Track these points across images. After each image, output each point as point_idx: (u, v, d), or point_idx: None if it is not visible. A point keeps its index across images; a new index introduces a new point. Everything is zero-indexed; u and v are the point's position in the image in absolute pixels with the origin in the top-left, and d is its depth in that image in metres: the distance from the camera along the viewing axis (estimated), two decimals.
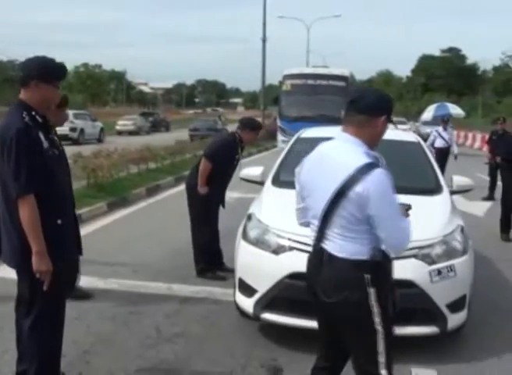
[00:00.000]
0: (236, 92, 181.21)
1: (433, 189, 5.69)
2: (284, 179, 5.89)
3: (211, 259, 6.68)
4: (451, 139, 16.92)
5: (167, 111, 69.96)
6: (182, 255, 7.27)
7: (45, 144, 3.41)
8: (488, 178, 14.10)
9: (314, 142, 6.51)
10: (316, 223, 2.96)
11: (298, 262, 4.60)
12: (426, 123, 34.69)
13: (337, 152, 2.93)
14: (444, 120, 17.71)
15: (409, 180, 5.83)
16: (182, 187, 13.76)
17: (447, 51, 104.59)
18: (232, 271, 6.12)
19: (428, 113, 30.03)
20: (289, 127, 24.15)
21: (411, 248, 4.55)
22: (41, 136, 3.39)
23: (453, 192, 5.91)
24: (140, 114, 47.87)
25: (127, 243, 6.53)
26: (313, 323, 4.56)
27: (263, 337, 4.94)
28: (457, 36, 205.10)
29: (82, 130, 30.62)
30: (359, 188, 2.75)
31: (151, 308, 5.54)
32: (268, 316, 4.73)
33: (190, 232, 6.97)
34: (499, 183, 13.65)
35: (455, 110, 29.13)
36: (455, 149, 16.92)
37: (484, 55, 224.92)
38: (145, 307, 5.58)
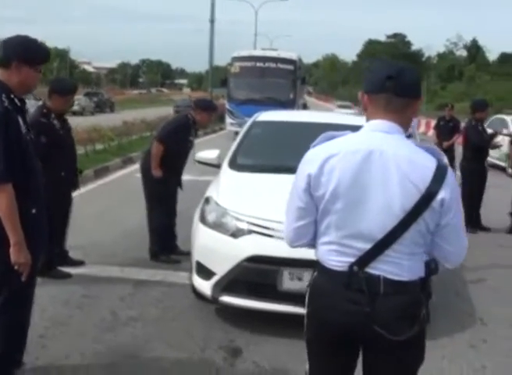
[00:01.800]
0: (182, 73, 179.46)
1: None
2: (241, 162, 5.90)
3: (165, 243, 6.63)
4: (412, 127, 16.21)
5: (111, 91, 68.72)
6: (133, 237, 7.23)
7: (23, 129, 3.26)
8: None
9: (270, 126, 6.67)
10: (357, 244, 2.23)
11: (257, 246, 4.67)
12: None
13: (400, 149, 2.22)
14: None
15: None
16: (130, 169, 13.79)
17: (392, 36, 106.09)
18: (186, 254, 6.11)
19: None
20: (238, 110, 24.11)
21: None
22: (20, 120, 3.25)
23: None
24: (84, 94, 46.79)
25: (77, 225, 6.42)
26: (270, 306, 4.65)
27: (220, 320, 4.95)
28: (403, 22, 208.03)
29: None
30: (444, 194, 2.18)
31: (104, 292, 5.47)
32: (226, 299, 4.74)
33: (140, 214, 6.93)
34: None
35: None
36: (417, 139, 15.88)
37: (429, 41, 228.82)
38: (99, 290, 5.50)
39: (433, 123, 22.51)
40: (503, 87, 65.51)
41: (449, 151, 13.87)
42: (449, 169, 2.22)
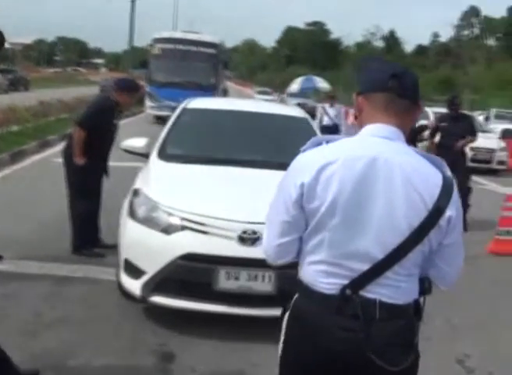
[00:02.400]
0: (99, 53, 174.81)
1: None
2: (171, 152, 5.60)
3: (88, 235, 6.25)
4: (338, 116, 15.23)
5: (26, 68, 65.95)
6: (52, 228, 6.79)
7: None
8: None
9: (201, 114, 6.38)
10: (352, 264, 1.97)
11: (191, 243, 4.42)
12: (293, 95, 35.35)
13: (406, 157, 1.98)
14: (330, 95, 16.27)
15: (295, 156, 5.75)
16: (47, 152, 13.13)
17: (312, 24, 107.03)
18: (110, 247, 5.78)
19: (295, 85, 30.60)
20: (158, 93, 23.61)
21: None
22: None
23: None
24: None
25: None
26: (204, 306, 4.42)
27: (149, 321, 4.67)
28: (322, 10, 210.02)
29: None
30: (451, 211, 1.96)
31: (24, 291, 5.06)
32: (157, 299, 4.46)
33: (60, 203, 6.54)
34: None
35: (322, 84, 29.81)
36: (343, 128, 15.12)
37: (347, 30, 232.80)
38: (18, 289, 5.09)
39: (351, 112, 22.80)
40: (419, 78, 67.12)
41: None
42: (455, 184, 2.01)
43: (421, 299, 2.13)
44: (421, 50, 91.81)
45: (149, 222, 4.57)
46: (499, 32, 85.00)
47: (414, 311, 2.07)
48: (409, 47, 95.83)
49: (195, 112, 6.29)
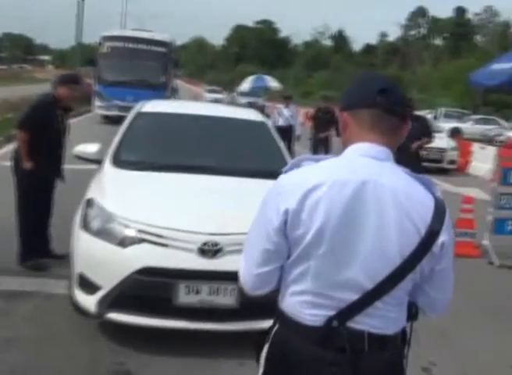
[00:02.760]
0: (45, 49, 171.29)
1: (280, 171, 5.44)
2: (125, 158, 5.36)
3: (37, 246, 5.93)
4: (293, 117, 14.86)
5: None
6: None
7: None
8: (311, 153, 14.46)
9: (156, 118, 6.15)
10: (339, 294, 1.81)
11: (148, 256, 4.20)
12: (243, 94, 35.24)
13: (397, 180, 1.84)
14: (285, 96, 15.58)
15: (254, 163, 5.61)
16: None
17: (261, 22, 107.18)
18: (60, 258, 5.52)
19: (246, 84, 30.46)
20: (107, 92, 23.18)
21: None
22: None
23: None
24: None
25: None
26: (164, 322, 4.21)
27: (105, 338, 4.43)
28: (271, 8, 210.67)
29: None
30: (444, 236, 1.82)
31: None
32: (114, 316, 4.23)
33: (6, 210, 6.24)
34: None
35: (272, 83, 29.76)
36: (297, 129, 14.79)
37: (296, 29, 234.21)
38: None
39: (311, 113, 22.79)
40: None
41: (326, 142, 14.01)
42: (446, 205, 1.87)
43: (408, 325, 1.99)
44: (369, 49, 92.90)
45: (104, 234, 4.33)
46: (446, 32, 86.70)
47: (401, 338, 1.94)
48: (357, 46, 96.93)
49: (150, 116, 6.06)
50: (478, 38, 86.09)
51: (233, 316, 4.20)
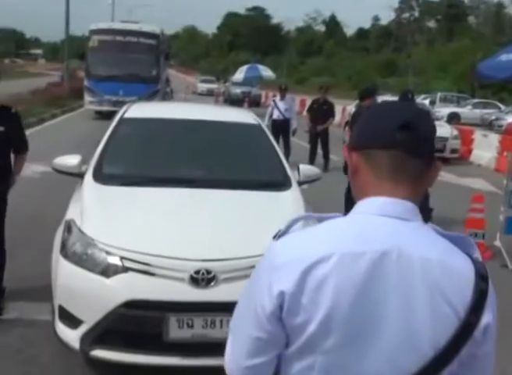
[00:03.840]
0: (36, 42, 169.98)
1: (281, 182, 4.99)
2: (108, 172, 4.89)
3: None
4: (289, 110, 13.90)
5: None
6: None
7: None
8: (308, 146, 13.96)
9: (142, 124, 5.65)
10: None
11: (134, 287, 3.73)
12: (237, 84, 34.73)
13: (427, 248, 1.38)
14: (281, 88, 14.33)
15: (251, 172, 5.15)
16: None
17: (252, 9, 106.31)
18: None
19: (240, 74, 29.90)
20: (97, 87, 22.73)
21: None
22: None
23: (299, 183, 5.24)
24: None
25: None
26: (154, 359, 3.77)
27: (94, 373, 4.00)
28: None
29: None
30: (489, 317, 1.37)
31: None
32: (100, 353, 3.78)
33: None
34: (319, 152, 13.65)
35: (266, 72, 29.21)
36: (294, 123, 13.88)
37: (288, 15, 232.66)
38: None
39: (308, 101, 22.29)
40: (361, 61, 67.56)
41: (323, 135, 13.57)
42: (488, 273, 1.40)
43: None
44: (362, 33, 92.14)
45: (84, 262, 3.88)
46: (439, 14, 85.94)
47: None
48: (350, 31, 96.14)
49: (135, 122, 5.57)
50: (472, 20, 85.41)
51: None
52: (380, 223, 1.39)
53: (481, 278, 1.38)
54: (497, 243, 7.34)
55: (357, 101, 19.51)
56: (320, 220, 1.46)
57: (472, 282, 1.37)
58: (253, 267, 3.99)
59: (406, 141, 1.39)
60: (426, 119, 1.45)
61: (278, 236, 1.45)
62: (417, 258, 1.35)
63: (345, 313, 1.32)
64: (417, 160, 1.41)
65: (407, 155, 1.40)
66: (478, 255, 1.44)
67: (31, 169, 9.28)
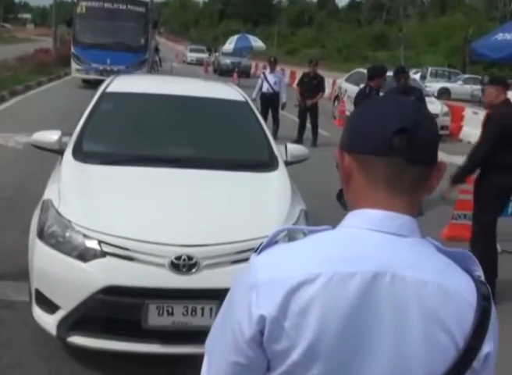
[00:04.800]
0: (25, 7, 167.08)
1: (267, 162, 4.83)
2: (89, 149, 4.71)
3: None
4: (279, 83, 13.56)
5: None
6: None
7: None
8: (297, 120, 13.78)
9: (125, 98, 5.45)
10: None
11: (113, 273, 3.58)
12: (227, 54, 34.31)
13: (424, 268, 1.23)
14: (270, 60, 13.89)
15: (237, 152, 4.98)
16: None
17: None
18: None
19: (230, 45, 29.49)
20: (85, 55, 22.32)
21: (252, 248, 3.73)
22: None
23: (286, 163, 5.08)
24: None
25: None
26: (133, 346, 3.65)
27: (71, 360, 3.87)
28: None
29: None
30: (490, 345, 1.23)
31: None
32: (77, 340, 3.65)
33: None
34: (308, 126, 13.48)
35: (256, 43, 28.82)
36: (283, 97, 13.54)
37: None
38: None
39: (298, 73, 22.00)
40: (352, 34, 66.97)
41: (313, 110, 13.39)
42: (491, 296, 1.26)
43: None
44: (354, 5, 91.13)
45: (61, 245, 3.72)
46: None
47: None
48: (342, 2, 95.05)
49: (118, 97, 5.36)
50: None
51: None
52: (373, 239, 1.23)
53: (484, 300, 1.24)
54: None
55: (347, 75, 19.37)
56: (306, 233, 1.31)
57: (473, 307, 1.22)
58: (237, 253, 3.90)
59: (404, 148, 1.22)
60: (427, 121, 1.27)
61: (259, 250, 1.30)
62: (412, 281, 1.20)
63: (331, 341, 1.18)
64: (416, 167, 1.25)
65: (404, 162, 1.24)
66: (480, 272, 1.29)
67: (14, 139, 9.07)
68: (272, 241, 1.31)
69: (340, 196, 7.30)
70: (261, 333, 1.21)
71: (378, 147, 1.24)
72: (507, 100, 5.81)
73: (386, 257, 1.21)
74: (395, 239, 1.23)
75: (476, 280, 1.27)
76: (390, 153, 1.23)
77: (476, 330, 1.22)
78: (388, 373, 1.20)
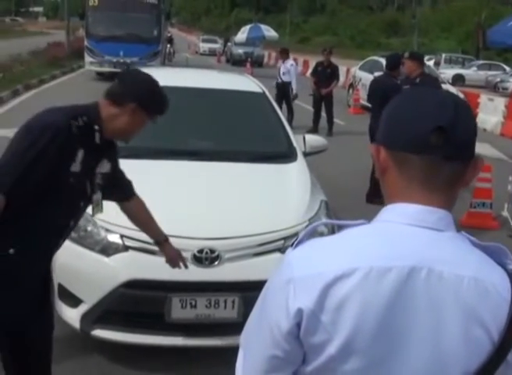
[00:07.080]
0: (36, 0, 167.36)
1: (286, 154, 4.84)
2: None
3: None
4: (288, 74, 13.27)
5: None
6: None
7: (77, 165, 2.64)
8: (312, 110, 13.73)
9: None
10: None
11: (135, 267, 3.62)
12: (239, 44, 34.22)
13: (461, 263, 1.23)
14: (281, 51, 13.93)
15: (256, 144, 4.98)
16: None
17: None
18: None
19: (242, 34, 29.43)
20: (98, 47, 22.34)
21: (274, 241, 3.75)
22: (79, 155, 2.64)
23: (304, 154, 5.09)
24: None
25: None
26: (156, 339, 3.68)
27: (94, 353, 3.92)
28: None
29: None
30: None
31: None
32: (101, 333, 3.69)
33: None
34: (323, 115, 13.44)
35: (269, 32, 28.73)
36: (294, 88, 13.28)
37: None
38: None
39: (311, 62, 21.90)
40: (365, 20, 66.50)
41: (328, 99, 13.34)
42: None
43: None
44: None
45: (84, 240, 3.76)
46: None
47: None
48: None
49: None
50: None
51: (235, 330, 3.67)
52: (410, 233, 1.24)
53: None
54: (505, 213, 7.23)
55: (361, 63, 19.24)
56: (341, 228, 1.32)
57: (508, 301, 1.22)
58: (258, 245, 3.90)
59: (441, 146, 1.22)
60: (466, 118, 1.26)
61: (294, 245, 1.31)
62: (449, 276, 1.20)
63: (368, 336, 1.19)
64: (453, 164, 1.25)
65: (441, 159, 1.24)
66: None
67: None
68: (306, 237, 1.31)
69: (371, 196, 7.27)
70: (298, 326, 1.22)
71: (415, 145, 1.24)
72: (423, 72, 7.61)
73: (424, 252, 1.21)
74: (433, 234, 1.24)
75: (510, 274, 1.27)
76: (427, 151, 1.23)
77: (511, 323, 1.22)
78: (425, 368, 1.21)
